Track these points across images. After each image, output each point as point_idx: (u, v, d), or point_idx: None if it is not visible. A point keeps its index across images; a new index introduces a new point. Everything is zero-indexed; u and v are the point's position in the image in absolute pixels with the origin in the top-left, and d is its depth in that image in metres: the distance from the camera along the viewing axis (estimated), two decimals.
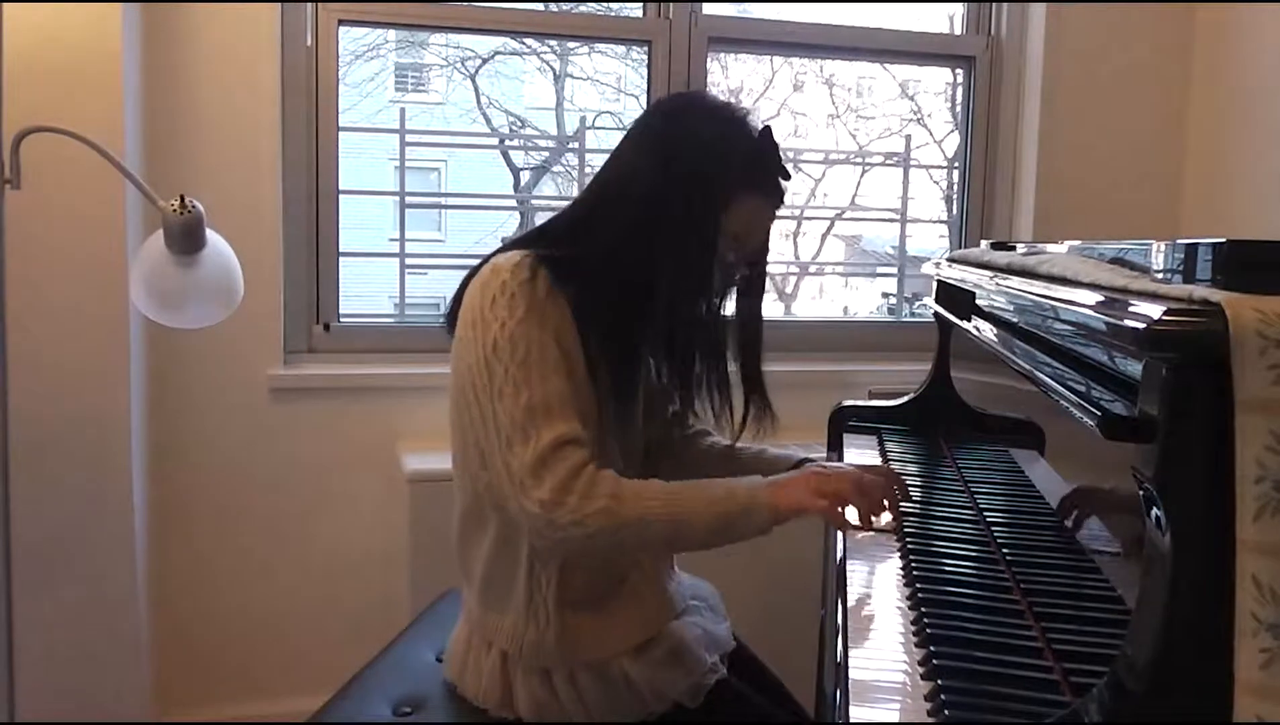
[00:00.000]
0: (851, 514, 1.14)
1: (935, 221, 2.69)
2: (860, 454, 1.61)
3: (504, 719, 1.16)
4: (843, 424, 1.77)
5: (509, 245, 1.15)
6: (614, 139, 1.22)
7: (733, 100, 1.19)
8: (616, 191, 1.14)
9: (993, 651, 0.90)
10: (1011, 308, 1.26)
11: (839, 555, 1.18)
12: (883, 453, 1.64)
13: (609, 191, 1.16)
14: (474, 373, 1.05)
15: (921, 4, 2.56)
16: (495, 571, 1.15)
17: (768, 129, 1.13)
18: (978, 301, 1.51)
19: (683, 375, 1.21)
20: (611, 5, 2.54)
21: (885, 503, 1.18)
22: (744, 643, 1.35)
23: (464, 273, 1.15)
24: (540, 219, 1.35)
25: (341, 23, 2.12)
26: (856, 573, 1.13)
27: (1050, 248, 1.35)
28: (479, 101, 3.42)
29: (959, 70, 2.54)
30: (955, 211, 2.55)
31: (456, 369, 1.10)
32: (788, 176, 1.15)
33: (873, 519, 1.17)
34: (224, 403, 2.03)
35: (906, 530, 1.23)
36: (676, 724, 1.16)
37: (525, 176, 3.06)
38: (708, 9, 2.31)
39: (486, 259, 1.12)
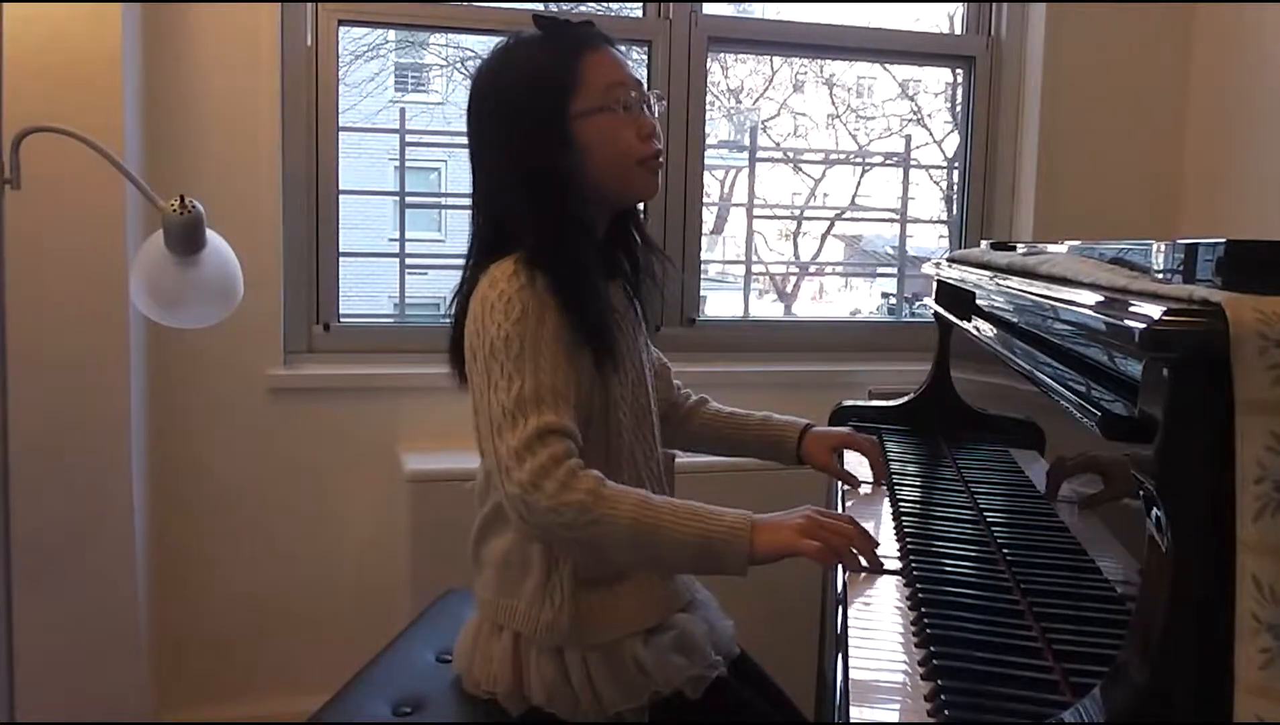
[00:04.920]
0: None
1: (935, 221, 2.69)
2: (860, 456, 1.61)
3: (503, 717, 1.16)
4: (843, 424, 1.77)
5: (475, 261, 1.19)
6: None
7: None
8: (497, 170, 1.18)
9: (993, 651, 0.90)
10: (1011, 308, 1.26)
11: None
12: (883, 452, 1.64)
13: (495, 181, 1.19)
14: (478, 376, 1.11)
15: (921, 4, 2.56)
16: (513, 558, 1.18)
17: (534, 15, 1.23)
18: (978, 301, 1.51)
19: (632, 267, 1.28)
20: (611, 5, 2.54)
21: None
22: (746, 652, 1.36)
23: (459, 277, 1.21)
24: None
25: (341, 23, 2.12)
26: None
27: (1050, 248, 1.35)
28: None
29: (959, 70, 2.54)
30: (955, 211, 2.55)
31: (469, 380, 1.15)
32: (588, 23, 1.27)
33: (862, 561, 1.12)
34: (224, 403, 2.03)
35: (906, 530, 1.23)
36: (677, 720, 1.17)
37: None
38: (708, 9, 2.31)
39: (463, 283, 1.19)
